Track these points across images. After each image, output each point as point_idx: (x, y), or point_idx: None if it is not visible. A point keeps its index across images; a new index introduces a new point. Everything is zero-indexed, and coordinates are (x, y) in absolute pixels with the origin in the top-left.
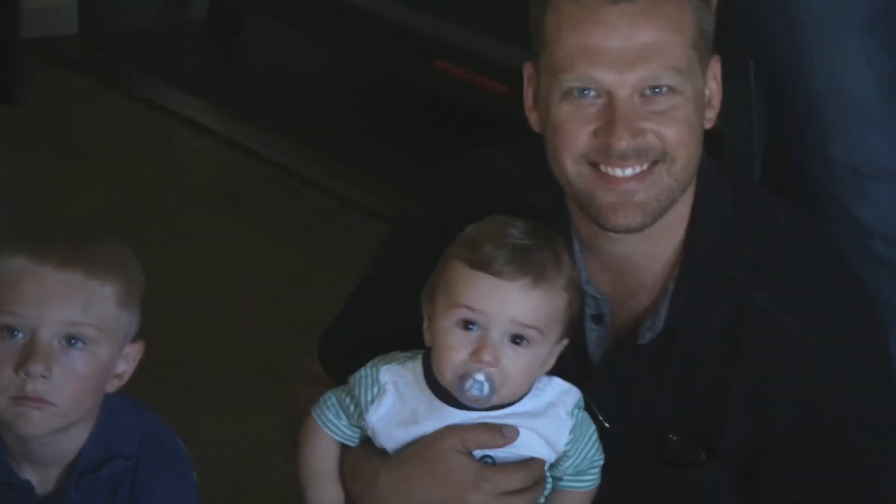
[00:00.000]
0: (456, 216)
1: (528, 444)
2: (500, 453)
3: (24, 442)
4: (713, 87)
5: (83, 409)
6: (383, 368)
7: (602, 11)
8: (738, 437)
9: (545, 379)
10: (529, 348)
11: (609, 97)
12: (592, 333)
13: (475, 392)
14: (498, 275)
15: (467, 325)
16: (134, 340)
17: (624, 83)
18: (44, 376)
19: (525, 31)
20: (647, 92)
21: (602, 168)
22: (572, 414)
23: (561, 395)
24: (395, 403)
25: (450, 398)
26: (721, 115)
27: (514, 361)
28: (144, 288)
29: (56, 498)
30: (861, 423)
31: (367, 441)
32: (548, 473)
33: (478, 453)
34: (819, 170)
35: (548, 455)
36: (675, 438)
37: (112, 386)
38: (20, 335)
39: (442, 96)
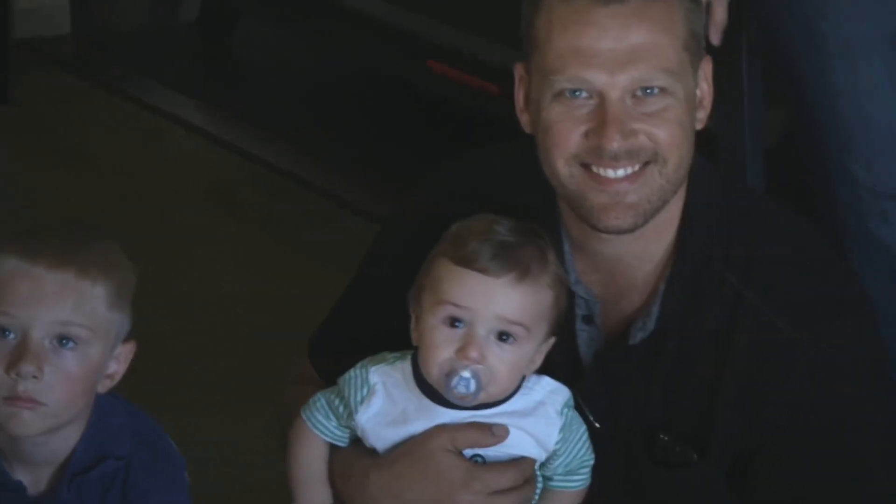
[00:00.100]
0: (446, 216)
1: (518, 444)
2: (491, 452)
3: (15, 442)
4: (704, 88)
5: (74, 409)
6: (373, 369)
7: (593, 13)
8: (729, 437)
9: (534, 378)
10: (516, 345)
11: (600, 98)
12: (583, 334)
13: (461, 389)
14: (483, 271)
15: (453, 322)
16: (126, 341)
17: (615, 84)
18: (35, 377)
19: (518, 31)
20: (639, 93)
21: (594, 169)
22: (562, 413)
23: (550, 394)
24: (384, 404)
25: (439, 397)
26: (713, 116)
27: (501, 358)
28: (136, 288)
29: (48, 498)
30: (852, 423)
31: (356, 441)
32: (538, 473)
33: (468, 452)
34: (840, 189)
35: (538, 454)
36: (666, 438)
37: (103, 386)
38: (11, 335)
39: (435, 96)
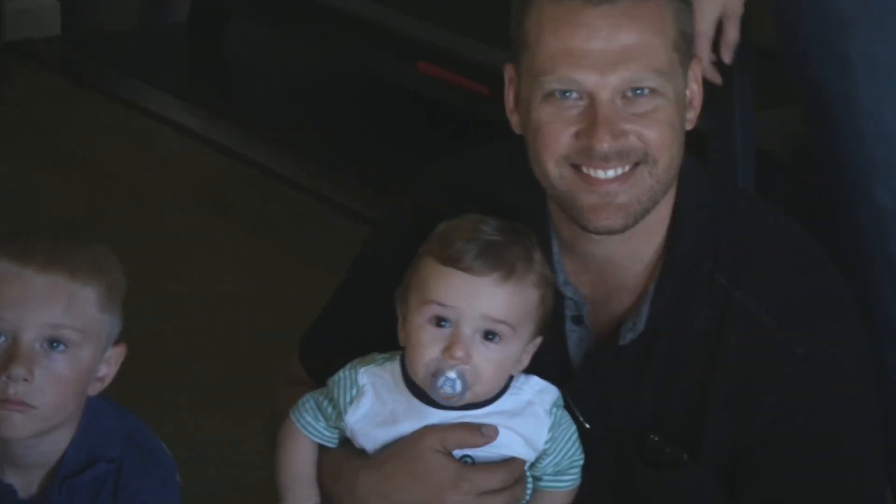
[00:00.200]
0: (435, 216)
1: (508, 444)
2: (480, 453)
3: (6, 445)
4: (694, 89)
5: (65, 412)
6: (361, 370)
7: (583, 13)
8: (719, 437)
9: (522, 377)
10: (501, 344)
11: (591, 99)
12: (573, 335)
13: (447, 390)
14: (468, 270)
15: (439, 321)
16: (116, 343)
17: (605, 85)
18: (26, 379)
19: (508, 32)
20: (629, 94)
21: (584, 170)
22: (550, 412)
23: (539, 394)
24: (373, 404)
25: (428, 398)
26: (704, 117)
27: (487, 358)
28: (128, 289)
29: (39, 501)
30: (842, 423)
31: (346, 442)
32: (528, 473)
33: (457, 453)
34: (860, 211)
35: (527, 454)
36: (656, 439)
37: (94, 389)
38: (2, 338)
39: (425, 98)
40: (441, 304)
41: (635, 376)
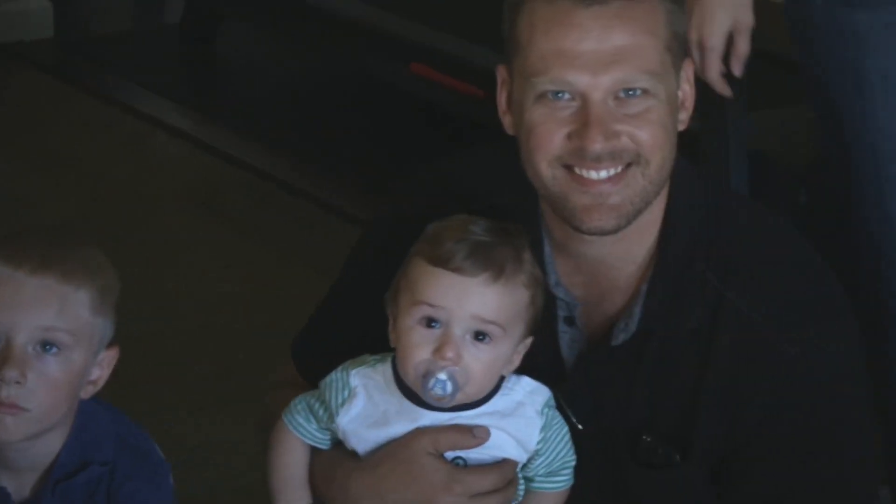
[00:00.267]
0: (426, 218)
1: (500, 445)
2: (472, 454)
3: None
4: (686, 90)
5: (57, 414)
6: (353, 372)
7: (575, 14)
8: (711, 437)
9: (514, 378)
10: (492, 345)
11: (583, 100)
12: (565, 336)
13: (438, 391)
14: (457, 271)
15: (429, 322)
16: (109, 346)
17: (598, 86)
18: (18, 382)
19: (501, 34)
20: (621, 94)
21: (576, 170)
22: (542, 413)
23: (530, 395)
24: (365, 406)
25: (420, 399)
26: (696, 118)
27: (477, 358)
28: (120, 292)
29: None
30: (833, 424)
31: (338, 444)
32: (520, 475)
33: (449, 455)
34: (875, 227)
35: (519, 455)
36: (649, 439)
37: (86, 392)
38: None
39: (419, 100)
40: (431, 305)
41: (628, 377)
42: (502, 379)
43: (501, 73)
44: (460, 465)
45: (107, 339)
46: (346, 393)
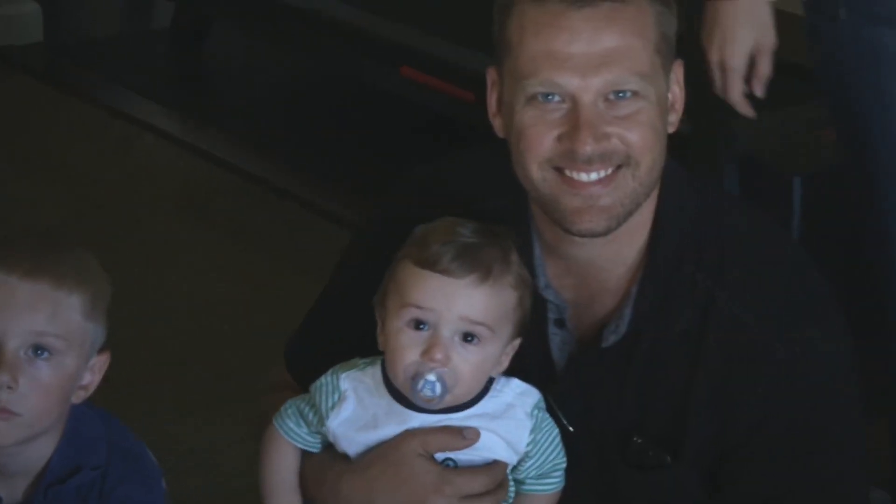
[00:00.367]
0: (416, 221)
1: (489, 447)
2: (462, 456)
3: None
4: (676, 92)
5: (49, 419)
6: (343, 375)
7: (565, 16)
8: (702, 438)
9: (503, 380)
10: (480, 346)
11: (573, 102)
12: (555, 338)
13: (427, 392)
14: (445, 272)
15: (418, 324)
16: (101, 351)
17: (588, 88)
18: (10, 387)
19: (491, 37)
20: (611, 96)
21: (567, 173)
22: (532, 415)
23: (520, 396)
24: (355, 409)
25: (409, 401)
26: (686, 119)
27: (466, 360)
28: (111, 297)
29: None
30: (824, 424)
31: (328, 446)
32: (510, 477)
33: (440, 456)
34: (893, 244)
35: (509, 457)
36: (639, 441)
37: (78, 397)
38: None
39: (410, 103)
40: (419, 307)
41: (618, 379)
42: (492, 381)
43: (491, 75)
44: (450, 467)
45: (98, 343)
46: (336, 396)
